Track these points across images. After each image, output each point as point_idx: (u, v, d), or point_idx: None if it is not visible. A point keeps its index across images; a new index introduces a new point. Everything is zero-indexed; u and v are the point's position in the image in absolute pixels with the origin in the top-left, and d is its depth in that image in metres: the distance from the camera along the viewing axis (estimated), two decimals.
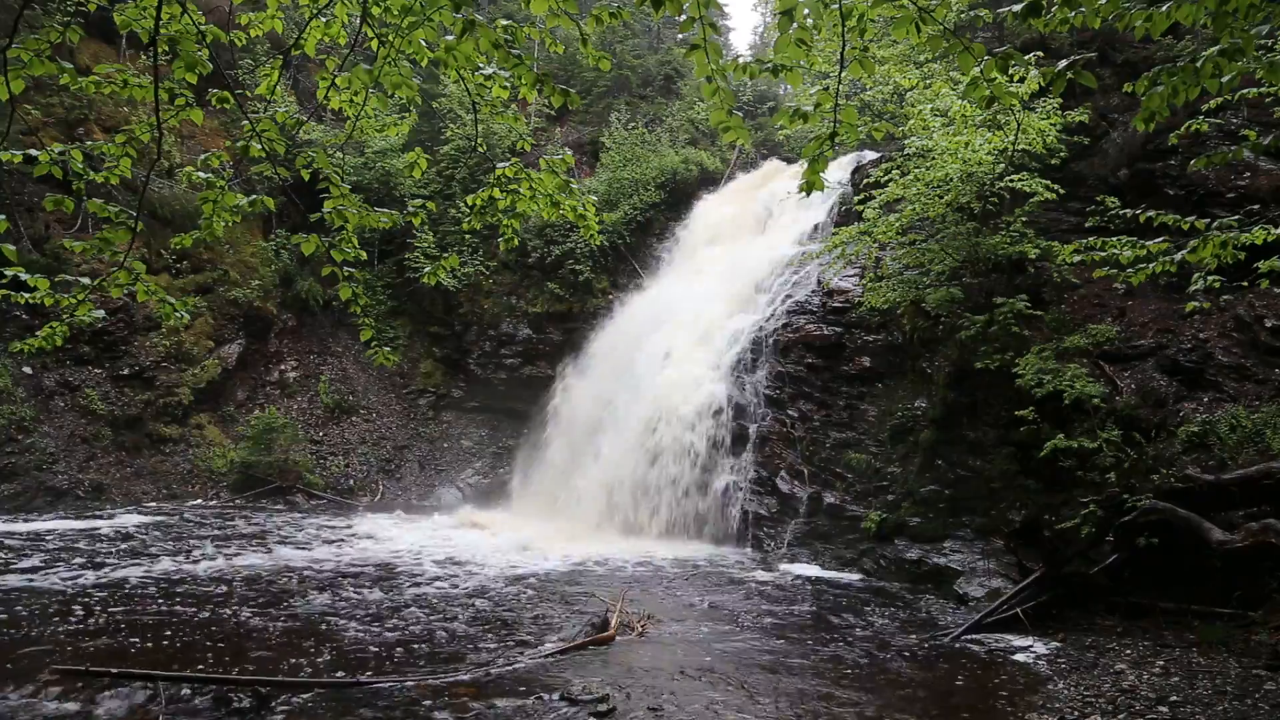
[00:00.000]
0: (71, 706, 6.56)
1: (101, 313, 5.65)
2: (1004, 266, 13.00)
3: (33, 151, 4.73)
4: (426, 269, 6.31)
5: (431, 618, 9.74)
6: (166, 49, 4.68)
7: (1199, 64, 4.25)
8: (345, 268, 5.44)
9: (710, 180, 24.44)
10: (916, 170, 12.61)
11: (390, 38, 4.54)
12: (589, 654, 8.39)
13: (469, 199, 5.53)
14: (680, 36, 31.22)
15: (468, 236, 22.67)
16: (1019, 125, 11.16)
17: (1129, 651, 8.20)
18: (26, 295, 5.47)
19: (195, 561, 12.46)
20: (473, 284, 23.28)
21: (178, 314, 5.69)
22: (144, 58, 19.40)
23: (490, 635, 9.08)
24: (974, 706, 7.13)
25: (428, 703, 6.90)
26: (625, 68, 28.78)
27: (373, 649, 8.45)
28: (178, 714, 6.53)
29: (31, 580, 10.90)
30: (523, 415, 22.23)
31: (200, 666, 7.71)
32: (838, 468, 14.54)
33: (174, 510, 17.37)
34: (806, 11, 3.83)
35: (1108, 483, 10.25)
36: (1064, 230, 13.37)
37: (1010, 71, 4.04)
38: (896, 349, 15.16)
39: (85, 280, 5.51)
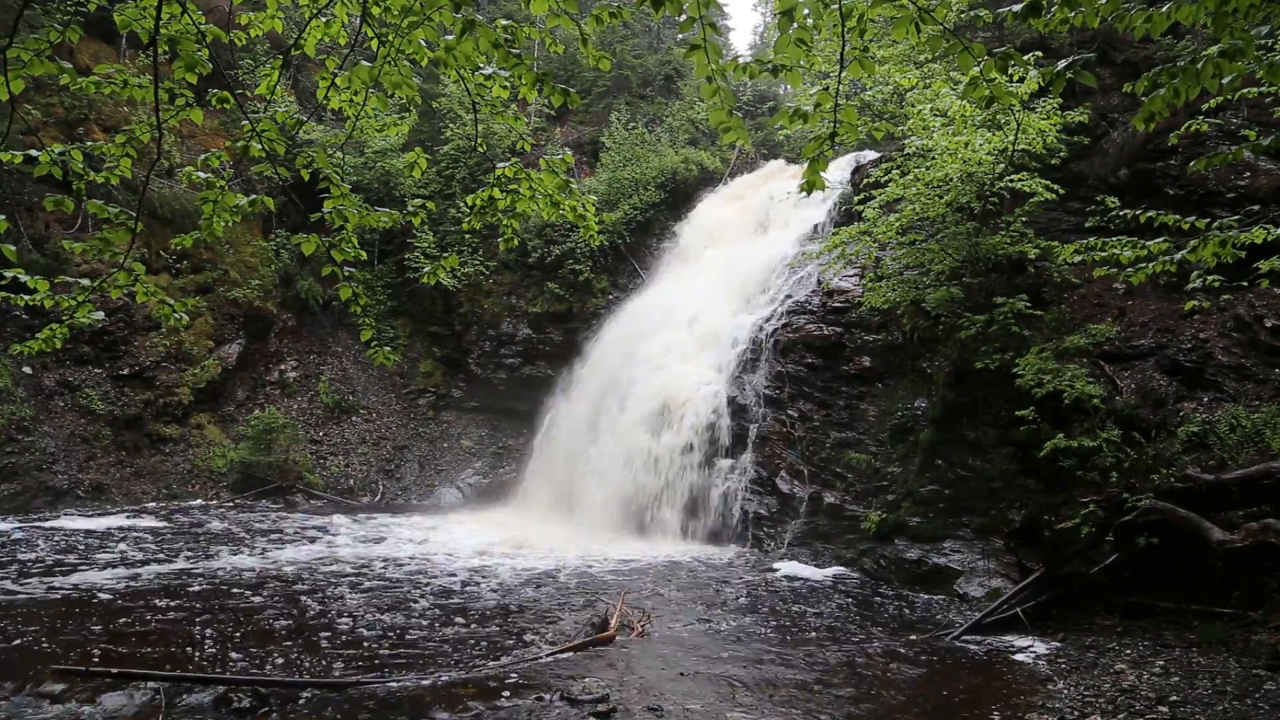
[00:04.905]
0: (72, 706, 6.56)
1: (101, 314, 5.64)
2: (1004, 266, 13.00)
3: (33, 151, 4.73)
4: (426, 269, 6.32)
5: (430, 617, 9.74)
6: (166, 49, 4.69)
7: (1199, 65, 4.25)
8: (345, 268, 5.45)
9: (710, 180, 24.43)
10: (916, 170, 12.60)
11: (390, 38, 4.55)
12: (589, 654, 8.38)
13: (469, 199, 5.53)
14: (680, 36, 31.22)
15: (468, 236, 22.67)
16: (1019, 125, 11.15)
17: (1129, 651, 8.19)
18: (26, 297, 5.47)
19: (192, 562, 12.47)
20: (473, 284, 23.28)
21: (177, 315, 5.69)
22: (144, 58, 19.41)
23: (490, 635, 9.08)
24: (973, 706, 7.13)
25: (427, 702, 6.89)
26: (625, 68, 28.78)
27: (372, 648, 8.46)
28: (178, 714, 6.52)
29: (31, 580, 10.90)
30: (523, 415, 22.25)
31: (199, 666, 7.71)
32: (838, 467, 14.54)
33: (176, 510, 17.38)
34: (806, 11, 3.84)
35: (1108, 483, 10.25)
36: (1064, 230, 13.37)
37: (1010, 71, 4.04)
38: (896, 349, 15.15)
39: (85, 281, 5.50)
